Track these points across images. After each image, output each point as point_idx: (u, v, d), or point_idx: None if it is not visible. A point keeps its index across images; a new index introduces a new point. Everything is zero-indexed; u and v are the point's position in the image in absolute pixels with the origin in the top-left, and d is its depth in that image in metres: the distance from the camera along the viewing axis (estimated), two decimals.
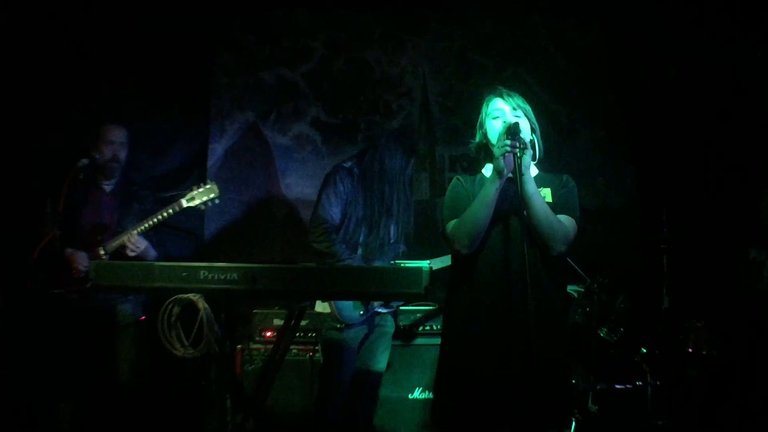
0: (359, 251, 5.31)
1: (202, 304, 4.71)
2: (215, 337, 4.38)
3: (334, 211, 5.33)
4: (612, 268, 5.78)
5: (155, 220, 5.50)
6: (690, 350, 5.28)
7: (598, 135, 7.21)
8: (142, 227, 5.51)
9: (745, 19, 6.51)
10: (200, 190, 5.51)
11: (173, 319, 4.85)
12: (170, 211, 5.50)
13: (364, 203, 5.36)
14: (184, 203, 5.48)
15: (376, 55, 7.63)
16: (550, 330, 3.84)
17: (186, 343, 4.86)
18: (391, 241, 5.43)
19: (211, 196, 5.51)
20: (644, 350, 5.41)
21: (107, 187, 5.89)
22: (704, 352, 5.24)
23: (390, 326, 5.49)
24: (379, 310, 5.34)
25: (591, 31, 7.23)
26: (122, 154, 5.89)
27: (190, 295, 4.63)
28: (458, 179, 4.20)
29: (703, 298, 5.57)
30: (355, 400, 5.39)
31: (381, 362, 5.40)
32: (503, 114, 4.01)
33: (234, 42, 7.76)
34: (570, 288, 5.67)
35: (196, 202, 5.49)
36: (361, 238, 5.32)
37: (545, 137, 4.60)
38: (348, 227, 5.34)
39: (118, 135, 5.87)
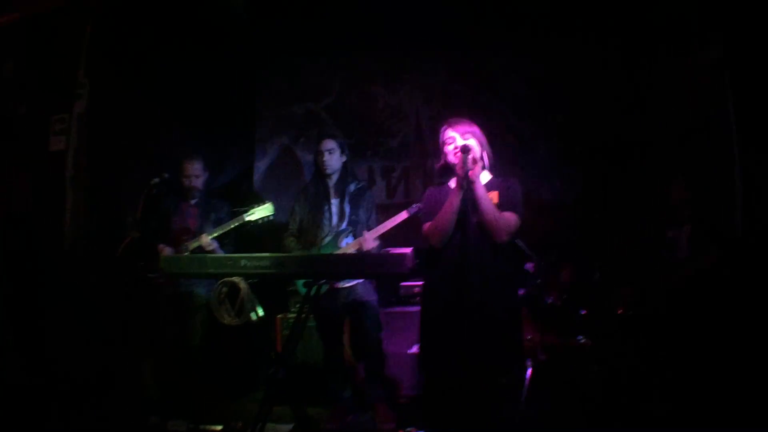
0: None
1: (242, 284, 4.94)
2: (253, 310, 4.58)
3: None
4: (559, 249, 5.92)
5: (224, 230, 5.61)
6: (618, 311, 5.30)
7: (553, 146, 7.25)
8: (215, 234, 5.61)
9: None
10: (259, 208, 5.61)
11: (222, 296, 5.08)
12: (235, 223, 5.61)
13: None
14: (245, 218, 5.60)
15: (379, 89, 7.73)
16: (500, 297, 4.03)
17: (232, 314, 5.09)
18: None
19: (268, 214, 5.62)
20: (583, 312, 5.49)
21: (192, 201, 5.99)
22: (629, 312, 5.25)
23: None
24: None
25: (541, 63, 7.23)
26: (198, 182, 5.96)
27: (234, 278, 4.86)
28: (432, 188, 4.41)
29: (630, 270, 5.61)
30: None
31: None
32: (456, 139, 4.18)
33: (271, 84, 7.94)
34: (527, 266, 5.79)
35: (255, 217, 5.60)
36: None
37: (511, 148, 4.72)
38: None
39: (194, 169, 5.94)
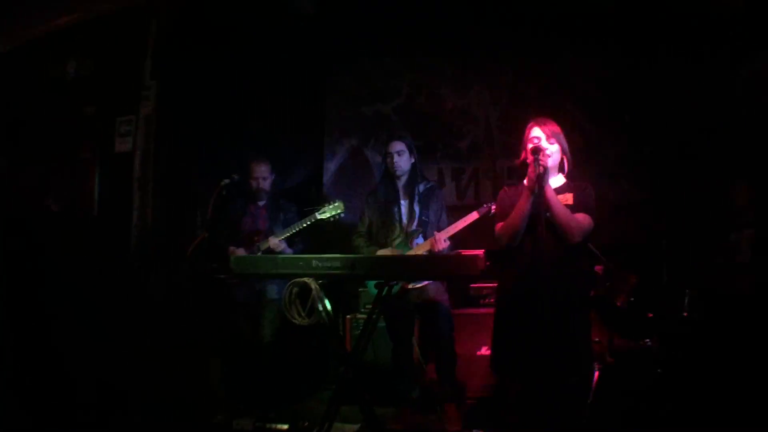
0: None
1: (314, 285, 5.00)
2: (324, 310, 4.64)
3: None
4: (627, 250, 5.90)
5: (296, 229, 5.67)
6: (685, 314, 5.30)
7: (620, 147, 7.21)
8: (287, 234, 5.68)
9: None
10: (330, 206, 5.64)
11: (293, 296, 5.15)
12: (308, 222, 5.64)
13: None
14: (317, 216, 5.62)
15: (448, 90, 7.77)
16: (570, 299, 4.06)
17: (303, 314, 5.16)
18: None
19: (339, 211, 5.62)
20: (650, 314, 5.47)
21: (261, 202, 6.06)
22: (695, 315, 5.25)
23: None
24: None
25: (611, 66, 7.22)
26: (266, 184, 6.03)
27: (305, 279, 4.93)
28: (505, 189, 4.42)
29: (696, 273, 5.56)
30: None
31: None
32: (541, 139, 4.18)
33: (340, 85, 8.03)
34: (595, 267, 5.76)
35: (326, 215, 5.62)
36: None
37: (579, 149, 4.72)
38: None
39: (261, 171, 6.00)
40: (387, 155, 5.63)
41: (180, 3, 6.72)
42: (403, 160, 5.57)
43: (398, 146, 5.58)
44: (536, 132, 4.23)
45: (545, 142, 4.19)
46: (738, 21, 6.19)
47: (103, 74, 6.81)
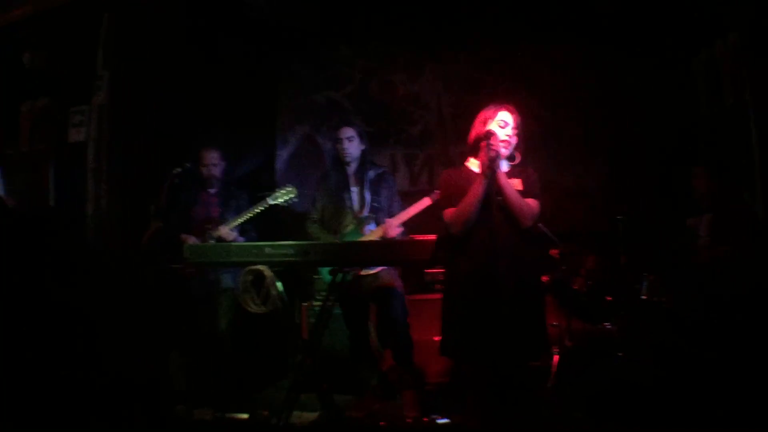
0: None
1: (267, 273, 4.94)
2: (279, 298, 4.58)
3: None
4: (584, 235, 5.91)
5: (248, 215, 5.60)
6: (644, 297, 5.28)
7: (576, 132, 7.24)
8: (239, 221, 5.61)
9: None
10: (282, 191, 5.59)
11: (247, 285, 5.07)
12: (260, 208, 5.58)
13: None
14: (270, 201, 5.56)
15: (401, 77, 7.73)
16: (526, 283, 4.01)
17: (258, 302, 5.09)
18: None
19: (291, 196, 5.57)
20: (608, 298, 5.47)
21: (212, 190, 5.97)
22: (655, 299, 5.23)
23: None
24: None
25: (567, 52, 7.25)
26: (217, 171, 5.94)
27: (259, 267, 4.85)
28: (448, 173, 4.33)
29: (654, 257, 5.58)
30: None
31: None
32: (508, 126, 4.14)
33: (292, 72, 7.93)
34: (552, 252, 5.77)
35: (279, 200, 5.56)
36: None
37: (535, 136, 4.70)
38: None
39: (211, 158, 5.92)
40: (337, 141, 5.55)
41: None
42: (353, 146, 5.49)
43: (348, 132, 5.50)
44: (505, 116, 4.16)
45: (510, 130, 4.14)
46: (696, 8, 6.20)
47: (57, 65, 6.75)
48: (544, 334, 4.25)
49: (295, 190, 5.61)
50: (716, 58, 6.28)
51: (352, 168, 5.55)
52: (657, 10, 6.57)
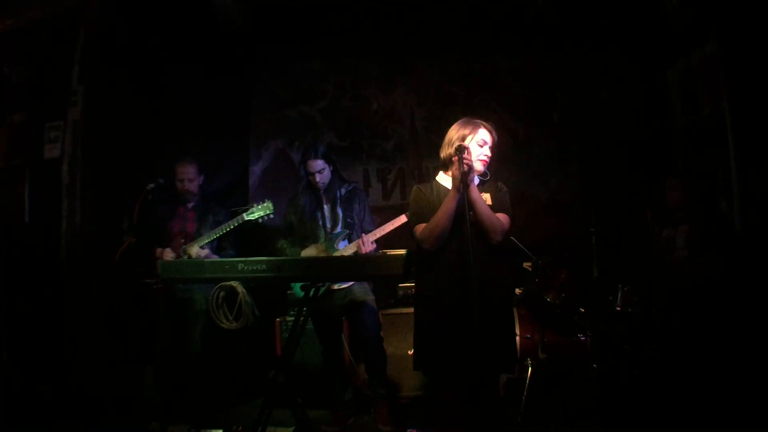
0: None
1: (240, 288, 4.93)
2: (251, 313, 4.56)
3: None
4: (557, 247, 5.91)
5: (223, 231, 5.60)
6: (618, 308, 5.32)
7: (549, 145, 7.28)
8: (213, 237, 5.62)
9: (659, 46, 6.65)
10: (259, 207, 5.58)
11: (220, 300, 5.07)
12: (235, 224, 5.58)
13: None
14: (245, 217, 5.57)
15: (374, 91, 7.71)
16: (495, 297, 4.02)
17: (230, 318, 5.08)
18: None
19: (268, 212, 5.58)
20: (582, 310, 5.49)
21: (189, 204, 5.98)
22: (629, 310, 5.27)
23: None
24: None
25: (539, 64, 7.32)
26: (193, 186, 5.95)
27: (232, 282, 4.84)
28: (419, 188, 4.34)
29: (628, 268, 5.61)
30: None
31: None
32: (486, 145, 4.19)
33: (265, 87, 7.87)
34: (525, 264, 5.79)
35: (255, 216, 5.56)
36: None
37: (507, 148, 4.67)
38: None
39: (187, 172, 5.93)
40: (309, 174, 5.54)
41: (108, 10, 6.65)
42: (324, 176, 5.52)
43: (318, 165, 5.48)
44: (484, 135, 4.19)
45: (487, 149, 4.19)
46: (670, 19, 6.26)
47: (33, 80, 6.75)
48: (513, 346, 4.31)
49: (271, 206, 5.61)
50: (693, 67, 6.33)
51: (322, 189, 5.57)
52: (632, 18, 6.66)
